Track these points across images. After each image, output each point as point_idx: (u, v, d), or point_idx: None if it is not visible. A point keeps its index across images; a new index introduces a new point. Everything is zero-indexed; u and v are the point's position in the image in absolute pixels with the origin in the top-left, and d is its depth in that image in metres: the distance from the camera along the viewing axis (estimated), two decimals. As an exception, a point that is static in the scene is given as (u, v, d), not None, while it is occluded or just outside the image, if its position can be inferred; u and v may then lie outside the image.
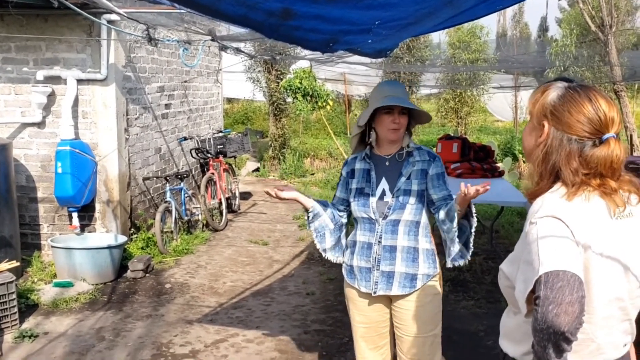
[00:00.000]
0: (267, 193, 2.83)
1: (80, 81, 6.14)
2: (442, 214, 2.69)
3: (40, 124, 6.26)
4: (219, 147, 8.53)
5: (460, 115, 15.31)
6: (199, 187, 8.24)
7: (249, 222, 8.46)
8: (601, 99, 1.62)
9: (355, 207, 2.82)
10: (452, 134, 9.10)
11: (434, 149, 7.55)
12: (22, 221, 6.18)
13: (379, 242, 2.75)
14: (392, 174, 2.80)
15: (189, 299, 5.39)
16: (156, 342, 4.47)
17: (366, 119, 2.79)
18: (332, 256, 3.00)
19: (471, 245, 2.68)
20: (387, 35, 3.73)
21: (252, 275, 6.11)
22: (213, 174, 8.12)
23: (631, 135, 11.42)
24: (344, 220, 2.99)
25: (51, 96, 6.20)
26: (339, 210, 2.97)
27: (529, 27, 36.39)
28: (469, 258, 2.74)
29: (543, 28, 32.42)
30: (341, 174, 2.98)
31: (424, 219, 2.79)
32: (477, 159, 6.24)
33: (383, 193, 2.78)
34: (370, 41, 3.80)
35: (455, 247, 2.69)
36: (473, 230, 2.66)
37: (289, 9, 2.84)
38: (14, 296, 4.67)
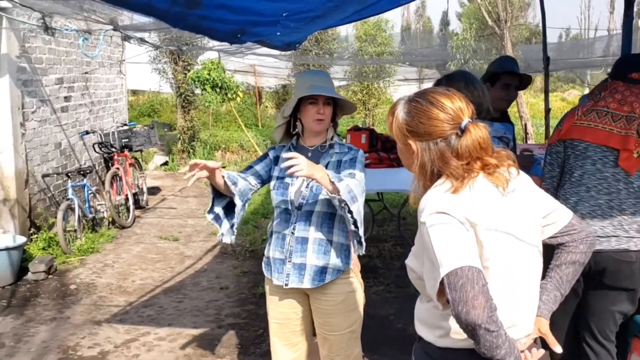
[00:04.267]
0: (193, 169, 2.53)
1: (-32, 72, 5.72)
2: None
3: None
4: (124, 140, 8.22)
5: (368, 107, 15.66)
6: (103, 183, 7.92)
7: (158, 218, 8.23)
8: (440, 96, 1.71)
9: (274, 196, 2.76)
10: (360, 125, 9.29)
11: (343, 140, 7.67)
12: None
13: (292, 232, 2.70)
14: None
15: (96, 299, 5.19)
16: (62, 345, 4.27)
17: (291, 110, 2.73)
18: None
19: (361, 239, 2.59)
20: (296, 28, 3.75)
21: (162, 272, 5.96)
22: (118, 169, 7.82)
23: (526, 124, 12.17)
24: (250, 196, 2.78)
25: None
26: (250, 184, 2.76)
27: (431, 21, 37.72)
28: (362, 252, 2.64)
29: (445, 22, 33.67)
30: (267, 155, 2.87)
31: (339, 210, 2.69)
32: (384, 149, 6.39)
33: (302, 184, 2.72)
34: (278, 33, 3.80)
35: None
36: (358, 226, 2.55)
37: (195, -2, 2.78)
38: None
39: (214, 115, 16.73)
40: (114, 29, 5.47)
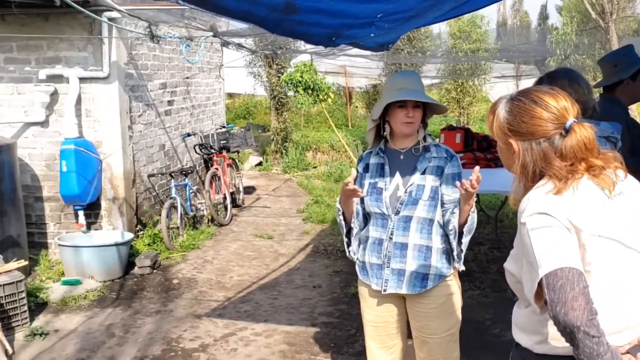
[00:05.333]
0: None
1: (82, 79, 6.15)
2: (447, 217, 2.67)
3: (44, 123, 6.28)
4: (222, 142, 8.55)
5: (462, 106, 15.30)
6: (203, 182, 8.27)
7: (254, 217, 8.49)
8: (544, 95, 1.67)
9: (368, 201, 2.74)
10: (454, 125, 9.11)
11: (437, 140, 7.56)
12: (29, 220, 6.21)
13: (390, 238, 2.68)
14: (407, 169, 2.72)
15: (197, 294, 5.43)
16: (166, 337, 4.52)
17: (379, 113, 2.70)
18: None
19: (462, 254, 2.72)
20: (390, 28, 3.74)
21: (258, 269, 6.15)
22: (217, 169, 8.15)
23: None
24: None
25: (54, 95, 6.22)
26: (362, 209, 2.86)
27: (529, 15, 36.16)
28: (461, 265, 2.75)
29: (543, 16, 32.28)
30: (357, 171, 2.86)
31: (438, 216, 2.69)
32: (480, 149, 6.23)
33: (396, 188, 2.70)
34: (372, 35, 3.81)
35: (455, 251, 2.73)
36: (468, 237, 2.67)
37: (291, 4, 2.86)
38: (24, 295, 4.71)
39: (305, 117, 17.00)
40: (214, 35, 5.70)
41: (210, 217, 7.78)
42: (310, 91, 11.67)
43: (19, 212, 5.76)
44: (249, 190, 10.17)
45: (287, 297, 5.30)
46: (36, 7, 5.74)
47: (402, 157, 2.75)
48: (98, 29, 6.09)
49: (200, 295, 5.40)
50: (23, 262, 5.02)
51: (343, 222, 2.84)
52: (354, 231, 2.84)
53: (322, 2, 2.95)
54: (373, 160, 2.82)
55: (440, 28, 20.86)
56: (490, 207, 7.86)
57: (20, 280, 4.70)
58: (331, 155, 13.37)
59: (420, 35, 14.21)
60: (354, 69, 16.97)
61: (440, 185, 2.69)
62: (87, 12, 5.08)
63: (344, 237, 2.89)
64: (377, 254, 2.73)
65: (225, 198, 8.17)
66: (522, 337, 1.77)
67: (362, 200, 2.80)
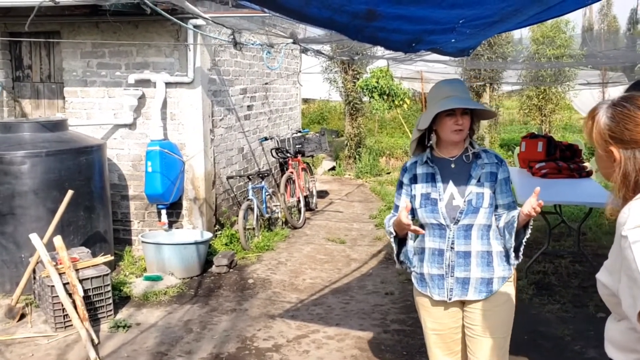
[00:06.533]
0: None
1: (168, 84, 6.43)
2: (502, 223, 2.68)
3: (132, 125, 6.61)
4: (297, 146, 8.68)
5: (544, 113, 14.80)
6: (278, 185, 8.42)
7: (326, 221, 8.55)
8: None
9: (423, 213, 2.71)
10: (536, 132, 8.82)
11: (517, 148, 7.35)
12: (115, 217, 6.55)
13: (452, 247, 2.67)
14: (460, 177, 2.70)
15: (271, 295, 5.54)
16: (241, 335, 4.63)
17: (428, 123, 2.67)
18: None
19: (520, 254, 2.70)
20: (471, 34, 3.69)
21: (330, 272, 6.19)
22: (292, 173, 8.28)
23: None
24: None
25: (141, 99, 6.53)
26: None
27: (617, 20, 34.53)
28: (514, 266, 2.77)
29: (633, 20, 30.76)
30: (401, 182, 2.84)
31: (493, 221, 2.72)
32: (563, 158, 6.02)
33: (452, 197, 2.68)
34: (453, 40, 3.77)
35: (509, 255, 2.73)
36: (524, 241, 2.67)
37: (373, 10, 2.88)
38: (109, 288, 4.97)
39: (379, 122, 16.95)
40: (294, 42, 5.79)
41: (284, 220, 7.91)
42: (385, 97, 11.66)
43: (106, 209, 6.08)
44: (322, 194, 10.26)
45: (359, 303, 5.31)
46: (128, 15, 6.05)
47: (453, 165, 2.73)
48: (184, 36, 6.35)
49: (274, 296, 5.50)
50: (109, 257, 5.30)
51: (395, 240, 2.82)
52: (410, 244, 2.84)
53: (404, 9, 2.95)
54: (421, 170, 2.77)
55: (522, 33, 20.22)
56: (573, 218, 7.55)
57: (106, 274, 4.96)
58: (405, 161, 13.26)
59: (501, 41, 13.85)
60: (431, 74, 16.75)
61: (494, 191, 2.71)
62: (175, 19, 5.30)
63: (396, 253, 2.85)
64: (438, 265, 2.72)
65: (299, 201, 8.29)
66: (617, 354, 1.70)
67: (413, 212, 2.76)
